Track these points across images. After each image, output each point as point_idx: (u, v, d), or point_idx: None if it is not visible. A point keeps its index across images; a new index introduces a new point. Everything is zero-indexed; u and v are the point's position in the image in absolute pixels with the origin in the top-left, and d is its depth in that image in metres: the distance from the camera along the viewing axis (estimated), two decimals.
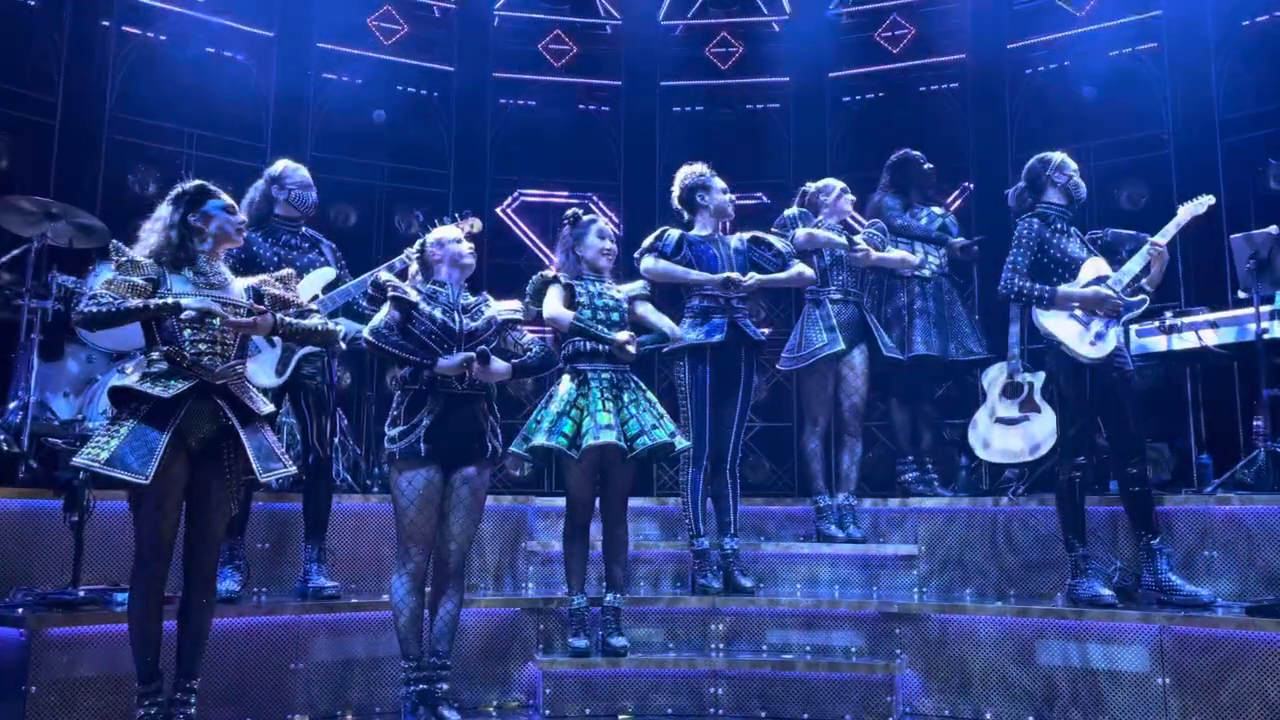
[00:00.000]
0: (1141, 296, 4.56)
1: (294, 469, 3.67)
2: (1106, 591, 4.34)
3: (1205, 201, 4.64)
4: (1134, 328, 5.27)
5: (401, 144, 7.33)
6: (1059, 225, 4.62)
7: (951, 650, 4.55)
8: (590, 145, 7.71)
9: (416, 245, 4.28)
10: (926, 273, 5.89)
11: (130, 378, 3.42)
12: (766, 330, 5.41)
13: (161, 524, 3.39)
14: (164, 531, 3.41)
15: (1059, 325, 4.51)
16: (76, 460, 3.34)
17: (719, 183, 5.14)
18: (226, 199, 3.65)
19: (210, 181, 3.68)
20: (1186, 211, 4.62)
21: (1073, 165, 4.69)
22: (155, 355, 3.42)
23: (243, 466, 3.51)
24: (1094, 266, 4.55)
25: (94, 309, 3.33)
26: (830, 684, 4.47)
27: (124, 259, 3.46)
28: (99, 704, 3.79)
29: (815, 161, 6.31)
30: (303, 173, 4.76)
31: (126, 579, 4.24)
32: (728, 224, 5.31)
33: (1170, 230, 4.59)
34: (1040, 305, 4.51)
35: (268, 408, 3.62)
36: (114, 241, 3.55)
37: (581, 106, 7.79)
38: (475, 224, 4.64)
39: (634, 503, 5.09)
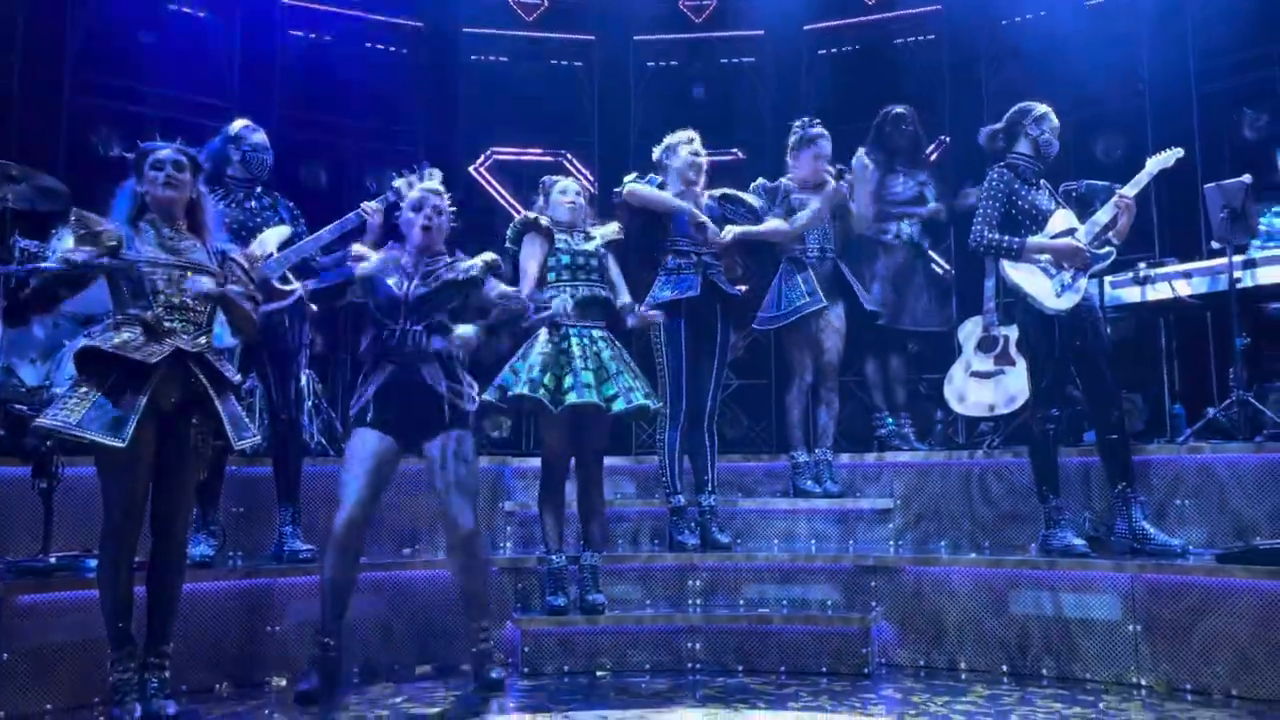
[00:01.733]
0: (1109, 249, 4.53)
1: (258, 437, 3.67)
2: (1079, 541, 4.38)
3: (1173, 154, 4.62)
4: (1108, 279, 5.26)
5: (371, 102, 7.21)
6: (1028, 177, 4.60)
7: (926, 602, 4.59)
8: (564, 102, 7.60)
9: (376, 203, 4.26)
10: (891, 239, 5.91)
11: (102, 339, 3.37)
12: (741, 287, 5.36)
13: (133, 487, 3.37)
14: (135, 495, 3.39)
15: (1026, 278, 4.51)
16: (42, 422, 3.30)
17: (686, 146, 5.09)
18: (161, 154, 3.56)
19: (177, 141, 3.63)
20: (1155, 164, 4.60)
21: (1053, 121, 4.64)
22: (122, 318, 3.38)
23: (213, 432, 3.50)
24: (1062, 218, 4.53)
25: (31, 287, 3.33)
26: (806, 637, 4.50)
27: (82, 231, 3.40)
28: (72, 670, 3.79)
29: (791, 116, 6.22)
30: (260, 135, 4.69)
31: (97, 545, 4.24)
32: (700, 185, 5.21)
33: (1142, 180, 4.57)
34: (1009, 257, 4.50)
35: (236, 376, 3.63)
36: (75, 210, 3.49)
37: (554, 62, 7.67)
38: (434, 175, 4.50)
39: (611, 461, 5.11)
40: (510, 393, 4.35)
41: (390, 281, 3.95)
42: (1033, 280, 4.48)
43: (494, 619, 4.26)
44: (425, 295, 3.93)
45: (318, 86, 7.01)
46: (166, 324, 3.38)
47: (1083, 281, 4.44)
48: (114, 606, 3.40)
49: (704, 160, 5.12)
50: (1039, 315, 4.44)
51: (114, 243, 3.36)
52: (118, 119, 6.22)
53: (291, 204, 4.79)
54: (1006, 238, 4.50)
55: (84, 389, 3.33)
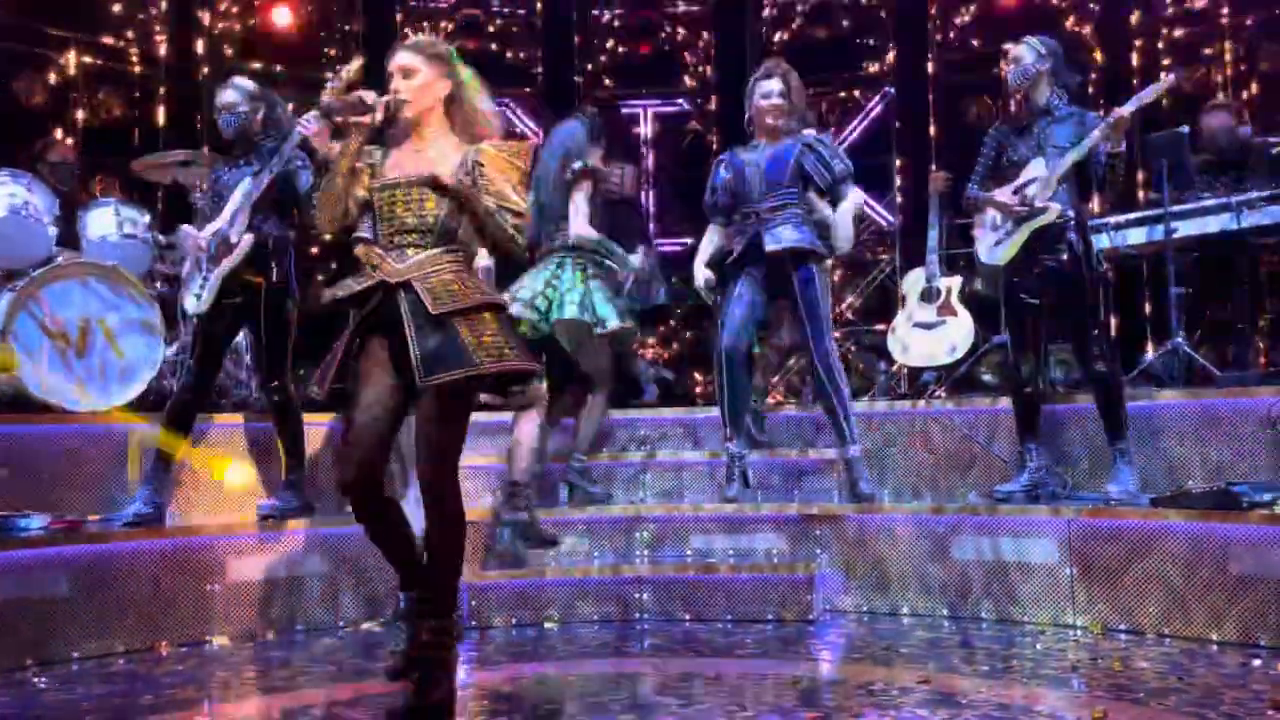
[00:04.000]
0: (1054, 205, 4.26)
1: None
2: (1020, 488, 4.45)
3: (1169, 82, 4.41)
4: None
5: (307, 48, 7.04)
6: (1023, 125, 4.45)
7: (870, 549, 4.65)
8: (507, 51, 7.50)
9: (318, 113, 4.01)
10: None
11: None
12: (795, 236, 4.73)
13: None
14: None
15: (978, 230, 4.57)
16: None
17: (762, 87, 4.82)
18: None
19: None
20: (1160, 86, 4.32)
21: (1029, 53, 4.40)
22: None
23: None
24: (1033, 168, 4.36)
25: None
26: (753, 585, 4.54)
27: None
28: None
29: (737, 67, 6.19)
30: (222, 95, 4.53)
31: (31, 504, 4.14)
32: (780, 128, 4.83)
33: (1145, 97, 4.24)
34: (970, 210, 4.57)
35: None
36: None
37: (496, 8, 7.54)
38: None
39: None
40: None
41: None
42: (979, 233, 4.53)
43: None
44: None
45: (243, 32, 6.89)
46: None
47: (1021, 233, 4.32)
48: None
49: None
50: (988, 266, 4.49)
51: None
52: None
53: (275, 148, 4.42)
54: (968, 193, 4.55)
55: None
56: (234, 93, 4.49)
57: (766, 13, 7.94)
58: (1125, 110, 4.17)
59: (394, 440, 3.06)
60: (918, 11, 7.36)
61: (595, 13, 8.01)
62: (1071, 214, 4.32)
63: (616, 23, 8.07)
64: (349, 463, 2.96)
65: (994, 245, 4.46)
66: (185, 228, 4.55)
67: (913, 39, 7.56)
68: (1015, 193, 4.37)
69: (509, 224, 2.99)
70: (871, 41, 7.79)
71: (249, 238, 4.31)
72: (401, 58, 3.07)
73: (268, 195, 4.36)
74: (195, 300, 4.39)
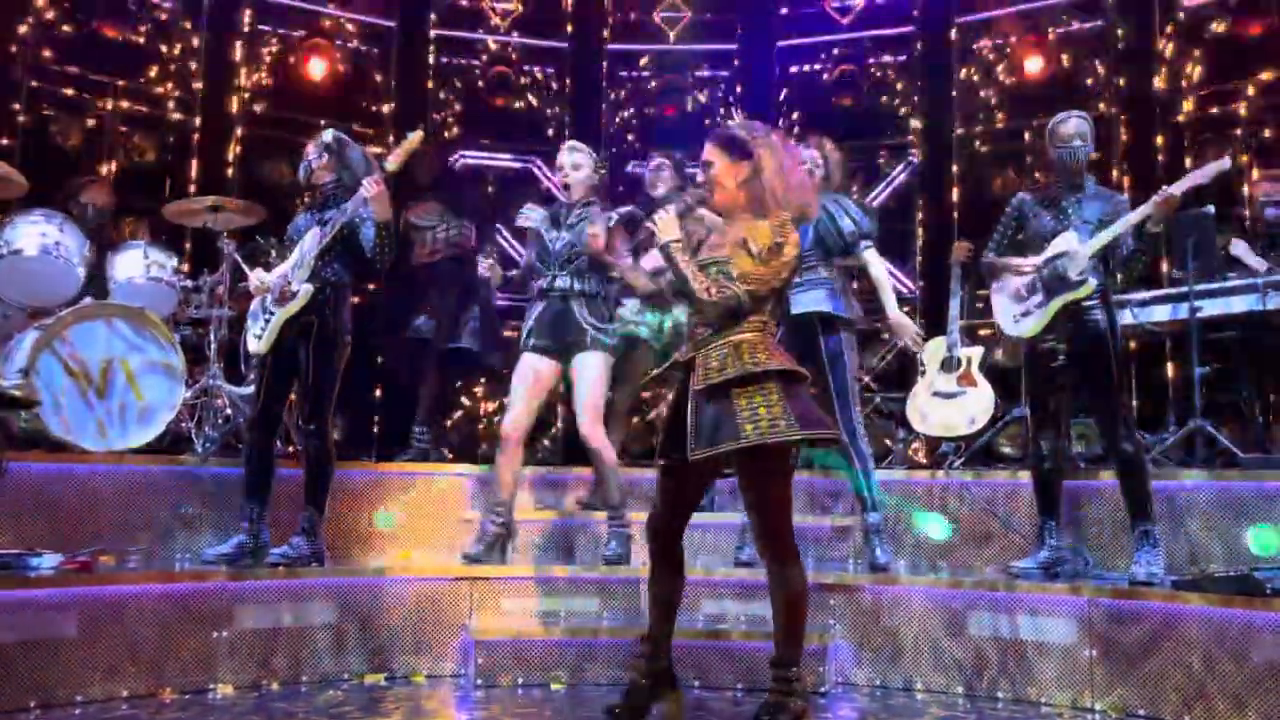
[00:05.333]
0: (1087, 279, 4.23)
1: None
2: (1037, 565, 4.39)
3: (1223, 164, 4.22)
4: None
5: (341, 103, 7.19)
6: (1049, 196, 4.44)
7: (884, 621, 4.58)
8: (535, 107, 7.60)
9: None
10: None
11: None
12: (820, 300, 4.70)
13: None
14: None
15: (996, 300, 4.54)
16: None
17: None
18: None
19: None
20: (1213, 168, 4.16)
21: (1062, 131, 4.38)
22: None
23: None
24: (1062, 241, 4.32)
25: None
26: (764, 653, 4.43)
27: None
28: (2, 672, 3.64)
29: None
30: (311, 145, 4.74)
31: (42, 544, 4.14)
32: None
33: (1194, 179, 4.14)
34: (987, 277, 4.57)
35: None
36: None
37: (526, 68, 7.66)
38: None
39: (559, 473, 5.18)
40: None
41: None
42: (999, 303, 4.50)
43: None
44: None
45: (285, 84, 7.02)
46: None
47: (1051, 307, 4.29)
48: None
49: None
50: (1010, 338, 4.48)
51: None
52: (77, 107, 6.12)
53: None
54: (985, 257, 4.54)
55: None
56: (312, 142, 4.68)
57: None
58: (1176, 189, 4.08)
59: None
60: (942, 82, 7.42)
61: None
62: (1100, 291, 4.29)
63: None
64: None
65: (1021, 316, 4.41)
66: (255, 271, 4.72)
67: (938, 108, 7.63)
68: (1044, 265, 4.34)
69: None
70: (899, 109, 7.86)
71: (308, 286, 4.45)
72: None
73: (334, 244, 4.51)
74: (256, 340, 4.54)
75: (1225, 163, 4.19)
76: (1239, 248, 5.40)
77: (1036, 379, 4.45)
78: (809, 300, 4.68)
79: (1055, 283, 4.28)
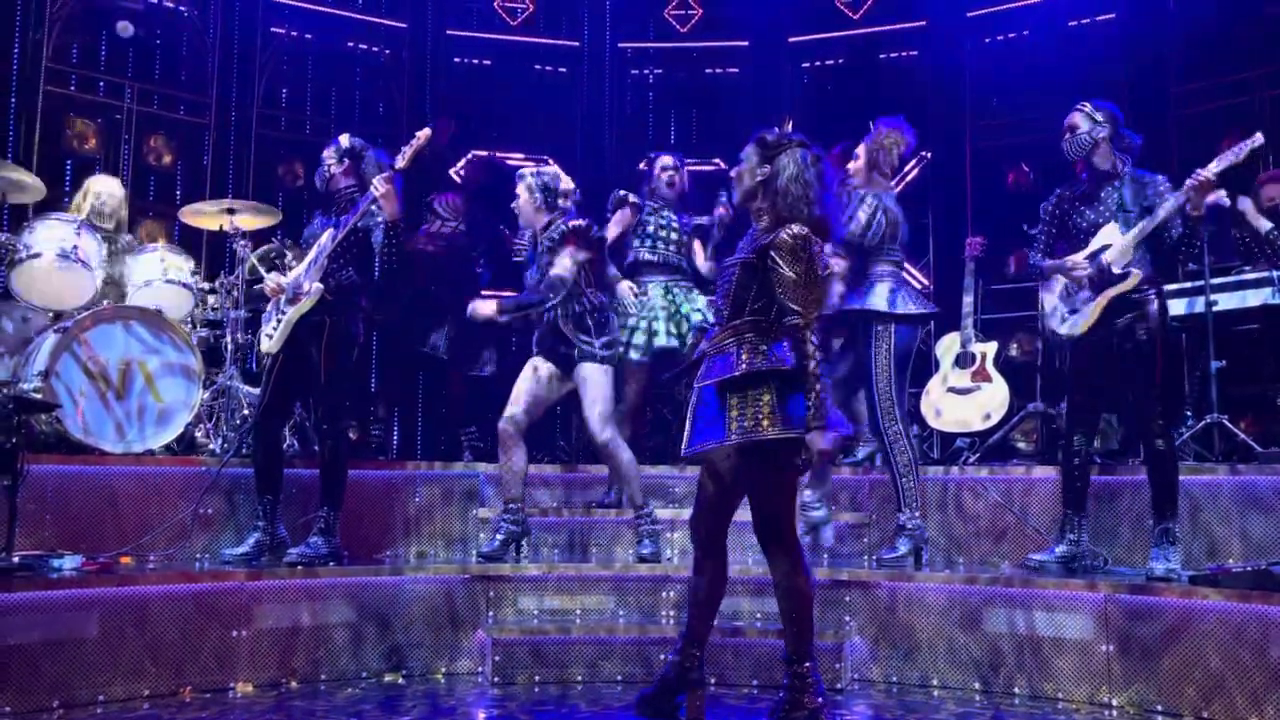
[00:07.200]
0: (1134, 271, 4.14)
1: None
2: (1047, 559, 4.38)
3: (1256, 141, 4.06)
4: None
5: (352, 104, 7.21)
6: (1085, 192, 4.37)
7: (900, 618, 4.57)
8: (546, 108, 7.61)
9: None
10: None
11: None
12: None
13: None
14: None
15: (1045, 299, 4.51)
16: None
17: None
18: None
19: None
20: (1245, 146, 4.03)
21: (1076, 124, 4.32)
22: None
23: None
24: (1105, 234, 4.24)
25: None
26: (779, 651, 4.46)
27: None
28: (25, 672, 3.68)
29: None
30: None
31: (63, 545, 4.19)
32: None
33: (1226, 159, 4.01)
34: (1039, 279, 4.53)
35: None
36: None
37: (538, 67, 7.67)
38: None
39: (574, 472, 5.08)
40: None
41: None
42: (1048, 301, 4.46)
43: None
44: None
45: (297, 85, 7.04)
46: None
47: (1099, 302, 4.19)
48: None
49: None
50: (1059, 338, 4.40)
51: None
52: (92, 111, 6.16)
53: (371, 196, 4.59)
54: (1032, 261, 4.49)
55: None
56: (328, 147, 4.73)
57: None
58: (1209, 171, 3.98)
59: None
60: (955, 77, 7.39)
61: None
62: (1149, 282, 4.19)
63: None
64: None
65: (1069, 314, 4.32)
66: (271, 274, 4.79)
67: (950, 104, 7.60)
68: (1089, 259, 4.26)
69: None
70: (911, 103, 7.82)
71: (318, 286, 4.48)
72: None
73: (346, 246, 4.55)
74: (268, 340, 4.57)
75: (1258, 139, 4.05)
76: (1244, 203, 5.33)
77: (1081, 376, 4.39)
78: (853, 297, 4.71)
79: (1101, 277, 4.21)
